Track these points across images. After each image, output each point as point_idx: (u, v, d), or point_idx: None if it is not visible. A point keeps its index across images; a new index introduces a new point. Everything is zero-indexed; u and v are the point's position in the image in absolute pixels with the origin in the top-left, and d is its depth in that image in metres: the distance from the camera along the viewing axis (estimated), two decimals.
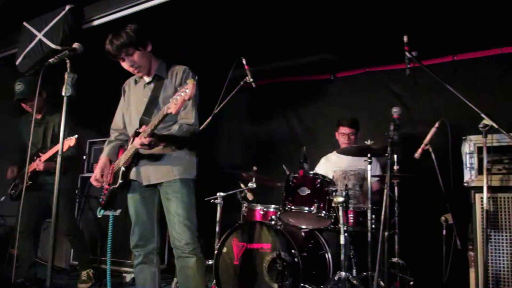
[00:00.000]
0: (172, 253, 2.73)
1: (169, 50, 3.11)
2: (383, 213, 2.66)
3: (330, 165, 4.03)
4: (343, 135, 3.93)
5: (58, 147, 3.59)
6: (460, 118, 3.44)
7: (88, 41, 2.65)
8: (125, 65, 2.62)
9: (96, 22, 3.92)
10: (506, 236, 2.67)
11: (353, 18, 4.09)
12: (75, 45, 2.33)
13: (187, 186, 2.61)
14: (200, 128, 3.15)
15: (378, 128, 4.02)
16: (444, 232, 3.30)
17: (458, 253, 3.13)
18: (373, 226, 3.24)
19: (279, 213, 3.27)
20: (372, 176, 3.60)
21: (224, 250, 3.25)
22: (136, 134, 2.51)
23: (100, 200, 2.73)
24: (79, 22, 3.98)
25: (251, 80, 3.60)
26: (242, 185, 3.82)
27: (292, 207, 3.15)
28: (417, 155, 3.28)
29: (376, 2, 3.74)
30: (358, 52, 4.59)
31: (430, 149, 3.30)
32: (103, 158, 2.75)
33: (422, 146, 3.28)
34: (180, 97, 2.21)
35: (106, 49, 2.56)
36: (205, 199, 3.68)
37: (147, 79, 2.72)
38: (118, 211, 2.74)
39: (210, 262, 3.42)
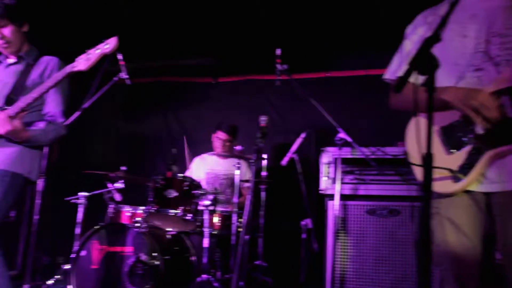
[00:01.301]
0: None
1: (40, 37, 2.87)
2: (244, 217, 2.75)
3: (204, 165, 4.04)
4: (218, 139, 3.96)
5: None
6: (325, 130, 3.70)
7: None
8: None
9: None
10: (352, 240, 2.94)
11: (236, 25, 4.21)
12: None
13: (5, 180, 2.27)
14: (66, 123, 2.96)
15: (253, 135, 4.15)
16: (304, 235, 3.51)
17: (315, 255, 3.37)
18: (239, 229, 3.33)
19: (144, 215, 3.18)
20: (244, 180, 3.73)
21: (83, 253, 3.07)
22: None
23: None
24: None
25: (126, 76, 3.47)
26: (109, 185, 3.64)
27: (158, 209, 3.10)
28: (283, 162, 3.47)
29: (260, 15, 3.90)
30: (239, 59, 4.72)
31: (296, 158, 3.51)
32: None
33: (289, 154, 3.47)
34: (96, 52, 2.02)
35: None
36: (65, 199, 3.45)
37: (11, 60, 2.49)
38: None
39: (68, 266, 3.20)
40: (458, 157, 1.62)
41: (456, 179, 1.61)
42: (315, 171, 3.32)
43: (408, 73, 1.37)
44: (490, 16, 1.65)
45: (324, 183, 3.04)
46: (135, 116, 5.08)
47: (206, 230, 3.08)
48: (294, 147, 3.46)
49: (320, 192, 3.06)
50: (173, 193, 3.12)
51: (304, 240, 3.46)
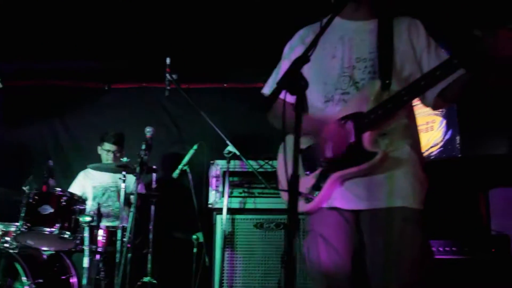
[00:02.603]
0: None
1: None
2: (128, 233, 2.60)
3: (89, 180, 3.77)
4: (108, 152, 3.73)
5: None
6: (217, 142, 3.65)
7: None
8: None
9: None
10: (240, 254, 2.92)
11: (132, 30, 4.02)
12: None
13: None
14: None
15: None
16: (195, 250, 3.42)
17: (206, 270, 3.29)
18: (127, 245, 3.14)
19: (14, 234, 2.87)
20: (132, 193, 3.53)
21: None
22: None
23: None
24: None
25: None
26: None
27: (30, 227, 2.81)
28: (175, 175, 3.36)
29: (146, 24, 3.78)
30: (135, 65, 4.52)
31: (188, 170, 3.42)
32: None
33: (181, 166, 3.37)
34: None
35: None
36: None
37: None
38: None
39: None
40: (310, 179, 1.68)
41: (307, 200, 1.66)
42: (207, 184, 3.26)
43: (276, 93, 1.37)
44: (355, 39, 1.72)
45: (212, 196, 2.99)
46: (15, 122, 4.60)
47: (87, 248, 2.86)
48: (186, 158, 3.37)
49: (209, 206, 3.00)
50: (49, 209, 2.85)
51: (195, 255, 3.37)
